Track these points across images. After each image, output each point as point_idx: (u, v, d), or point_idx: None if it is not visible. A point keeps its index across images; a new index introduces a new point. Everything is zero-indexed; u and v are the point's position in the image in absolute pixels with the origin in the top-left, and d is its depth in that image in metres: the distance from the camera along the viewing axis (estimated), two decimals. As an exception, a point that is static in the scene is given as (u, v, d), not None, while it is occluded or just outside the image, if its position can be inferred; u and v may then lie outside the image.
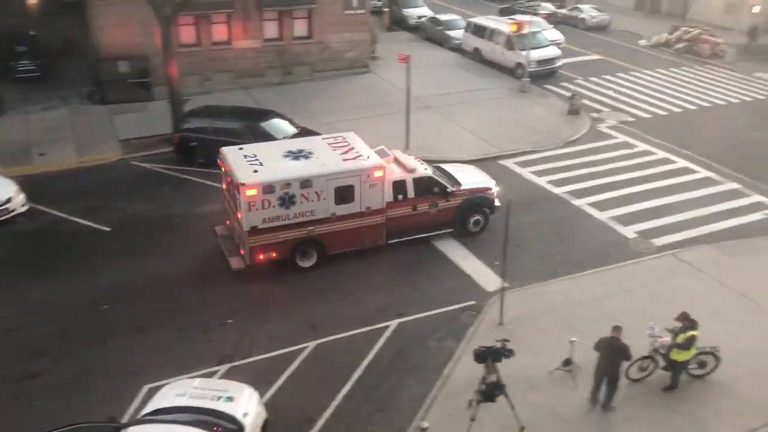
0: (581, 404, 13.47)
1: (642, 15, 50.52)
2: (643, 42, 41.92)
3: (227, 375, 14.00)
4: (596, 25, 44.92)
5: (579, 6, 46.82)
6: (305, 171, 17.07)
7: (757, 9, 37.45)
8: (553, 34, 38.44)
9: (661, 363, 13.86)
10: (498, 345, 12.62)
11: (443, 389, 13.85)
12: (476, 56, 36.14)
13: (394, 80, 31.61)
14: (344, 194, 17.37)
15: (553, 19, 44.44)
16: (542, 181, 22.69)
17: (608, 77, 34.26)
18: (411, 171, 18.53)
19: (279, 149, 18.06)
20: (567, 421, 13.10)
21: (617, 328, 12.92)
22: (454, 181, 19.32)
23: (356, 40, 32.84)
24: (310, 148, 18.08)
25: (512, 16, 37.85)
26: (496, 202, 19.42)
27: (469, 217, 19.25)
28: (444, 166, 20.36)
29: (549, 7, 46.78)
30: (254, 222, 16.72)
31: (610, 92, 31.84)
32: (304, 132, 23.57)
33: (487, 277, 17.42)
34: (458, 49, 37.67)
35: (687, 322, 13.21)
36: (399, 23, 43.50)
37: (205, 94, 28.87)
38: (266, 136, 21.86)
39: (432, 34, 40.13)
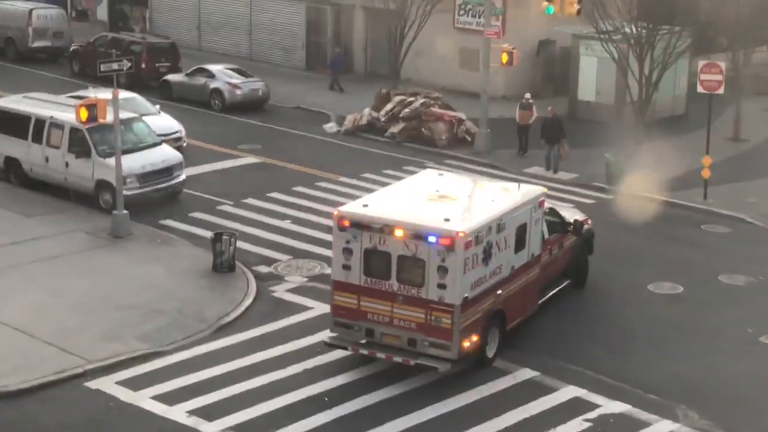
0: None
1: (319, 77, 53.26)
2: (331, 126, 44.88)
3: None
4: (244, 100, 47.43)
5: (206, 67, 48.79)
6: (494, 210, 23.20)
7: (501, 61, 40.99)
8: (165, 121, 39.88)
9: None
10: None
11: None
12: (11, 174, 36.57)
13: None
14: (521, 237, 23.87)
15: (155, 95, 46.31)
16: (178, 413, 22.80)
17: (279, 196, 36.06)
18: None
19: (414, 194, 24.49)
20: None
21: None
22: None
23: None
24: (435, 189, 24.57)
25: (80, 92, 39.52)
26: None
27: (584, 258, 27.96)
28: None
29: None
30: (465, 290, 21.86)
31: (285, 224, 33.37)
32: None
33: None
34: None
35: None
36: None
37: None
38: None
39: None
